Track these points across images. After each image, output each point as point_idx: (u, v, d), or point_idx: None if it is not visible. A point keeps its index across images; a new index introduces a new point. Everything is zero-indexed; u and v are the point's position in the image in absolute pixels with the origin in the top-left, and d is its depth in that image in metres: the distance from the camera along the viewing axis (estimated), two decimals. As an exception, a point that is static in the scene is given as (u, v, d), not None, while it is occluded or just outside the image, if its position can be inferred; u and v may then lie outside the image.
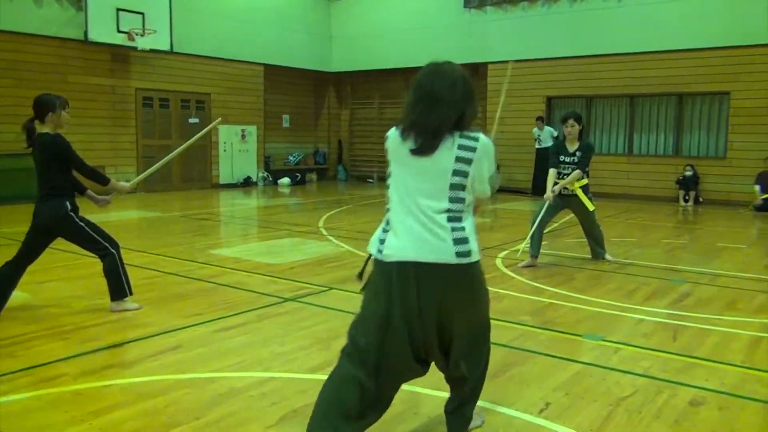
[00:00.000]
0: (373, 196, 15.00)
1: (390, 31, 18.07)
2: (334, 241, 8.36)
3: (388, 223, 2.59)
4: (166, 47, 14.45)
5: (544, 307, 5.29)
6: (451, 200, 2.51)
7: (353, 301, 5.33)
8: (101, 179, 4.87)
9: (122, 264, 4.94)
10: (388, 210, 2.61)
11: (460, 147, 2.50)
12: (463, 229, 2.50)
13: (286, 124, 19.14)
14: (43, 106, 4.61)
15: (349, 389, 2.52)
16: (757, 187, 12.79)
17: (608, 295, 5.72)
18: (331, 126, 20.17)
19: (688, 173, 13.75)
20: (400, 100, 18.59)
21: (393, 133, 2.62)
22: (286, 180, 17.67)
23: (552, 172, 7.05)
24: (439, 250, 2.46)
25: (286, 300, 5.35)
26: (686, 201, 13.67)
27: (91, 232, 4.81)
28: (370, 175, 19.39)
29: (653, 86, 14.40)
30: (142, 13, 13.79)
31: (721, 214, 12.19)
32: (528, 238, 7.08)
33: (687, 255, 7.89)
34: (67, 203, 4.70)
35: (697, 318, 4.98)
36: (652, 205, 13.47)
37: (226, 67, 16.35)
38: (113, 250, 4.89)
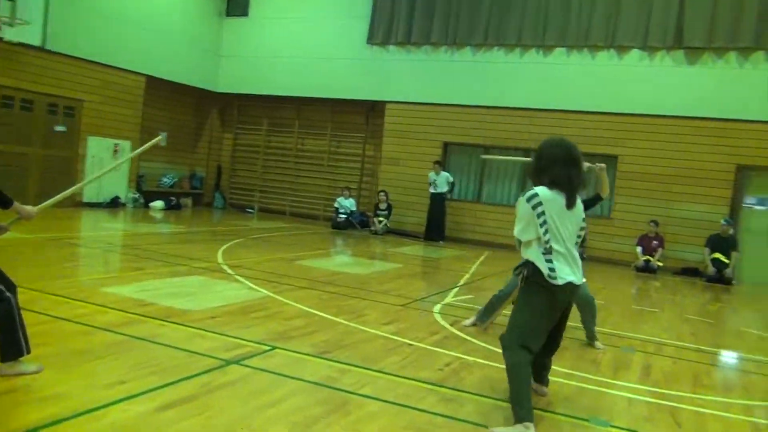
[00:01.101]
0: (263, 229, 13.95)
1: (285, 57, 17.29)
2: (246, 282, 7.38)
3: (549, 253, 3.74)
4: (37, 42, 12.67)
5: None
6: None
7: (308, 366, 4.52)
8: (2, 201, 3.71)
9: (20, 312, 3.76)
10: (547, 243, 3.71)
11: None
12: None
13: (163, 143, 17.54)
14: None
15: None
16: (639, 249, 13.42)
17: (575, 365, 5.32)
18: (212, 149, 18.82)
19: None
20: (291, 130, 17.80)
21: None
22: (159, 203, 16.08)
23: None
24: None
25: (228, 363, 4.38)
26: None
27: None
28: (250, 205, 18.24)
29: (547, 142, 14.78)
30: (12, 0, 11.97)
31: (610, 272, 12.57)
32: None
33: (613, 318, 7.80)
34: None
35: (679, 397, 4.68)
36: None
37: (105, 73, 14.66)
38: (9, 294, 3.71)
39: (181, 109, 18.01)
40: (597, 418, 4.04)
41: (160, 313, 5.53)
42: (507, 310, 6.24)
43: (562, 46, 14.74)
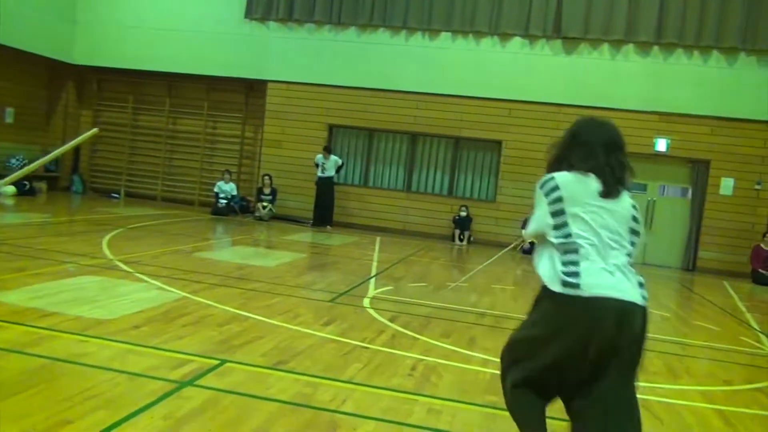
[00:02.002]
0: (138, 217, 12.73)
1: (153, 28, 15.85)
2: (152, 281, 6.57)
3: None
4: None
5: (491, 379, 4.55)
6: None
7: (272, 381, 3.98)
8: None
9: None
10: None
11: None
12: None
13: (9, 119, 15.54)
14: None
15: None
16: (524, 231, 13.86)
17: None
18: (68, 128, 16.89)
19: (463, 213, 14.39)
20: (161, 108, 16.46)
21: None
22: (11, 189, 14.16)
23: None
24: None
25: (181, 384, 3.76)
26: (461, 240, 14.26)
27: None
28: (115, 190, 16.66)
29: (433, 127, 14.85)
30: None
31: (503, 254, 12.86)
32: None
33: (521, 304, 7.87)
34: None
35: (654, 389, 4.73)
36: (430, 242, 13.75)
37: (-62, 38, 12.59)
38: None
39: (30, 82, 16.00)
40: (587, 419, 3.91)
41: (71, 326, 4.70)
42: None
43: (448, 31, 14.79)
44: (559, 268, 2.63)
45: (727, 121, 13.65)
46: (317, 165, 14.60)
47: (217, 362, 4.25)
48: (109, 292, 5.92)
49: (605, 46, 14.19)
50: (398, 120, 14.97)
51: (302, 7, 15.24)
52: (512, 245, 7.85)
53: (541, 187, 2.83)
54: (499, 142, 14.59)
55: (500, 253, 8.55)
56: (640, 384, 4.81)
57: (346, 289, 7.40)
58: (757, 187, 13.65)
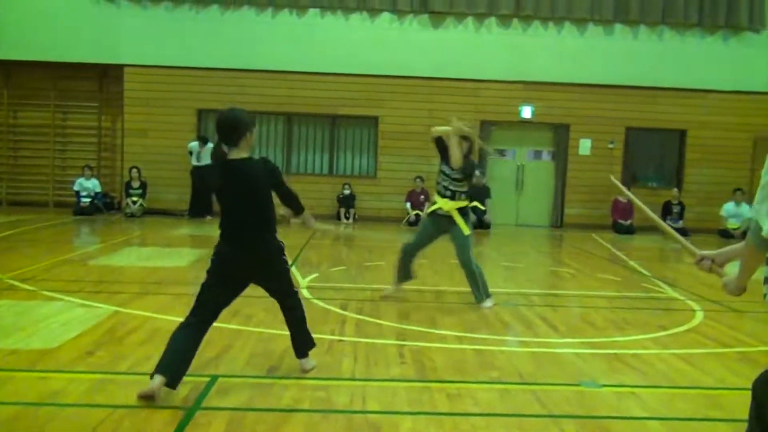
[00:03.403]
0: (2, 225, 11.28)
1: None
2: (66, 298, 5.88)
3: None
4: None
5: (477, 355, 4.63)
6: None
7: (281, 391, 3.74)
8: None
9: None
10: None
11: None
12: None
13: None
14: None
15: None
16: (408, 204, 14.17)
17: (497, 330, 5.40)
18: None
19: (347, 191, 14.36)
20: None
21: None
22: None
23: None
24: None
25: (190, 411, 3.42)
26: (347, 218, 14.25)
27: None
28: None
29: (309, 106, 14.60)
30: None
31: (382, 229, 13.03)
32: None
33: (460, 276, 8.08)
34: None
35: (610, 344, 5.06)
36: (317, 223, 13.58)
37: None
38: None
39: None
40: (588, 382, 4.12)
41: (16, 362, 4.09)
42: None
43: (316, 7, 14.51)
44: None
45: (581, 86, 14.76)
46: (191, 153, 13.81)
47: (207, 379, 3.92)
48: (28, 317, 5.21)
49: (470, 20, 14.69)
50: (272, 101, 14.52)
51: (156, -15, 14.18)
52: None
53: None
54: (375, 118, 14.67)
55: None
56: (597, 340, 5.17)
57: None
58: (610, 146, 14.97)
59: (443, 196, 6.09)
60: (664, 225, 2.94)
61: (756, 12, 14.71)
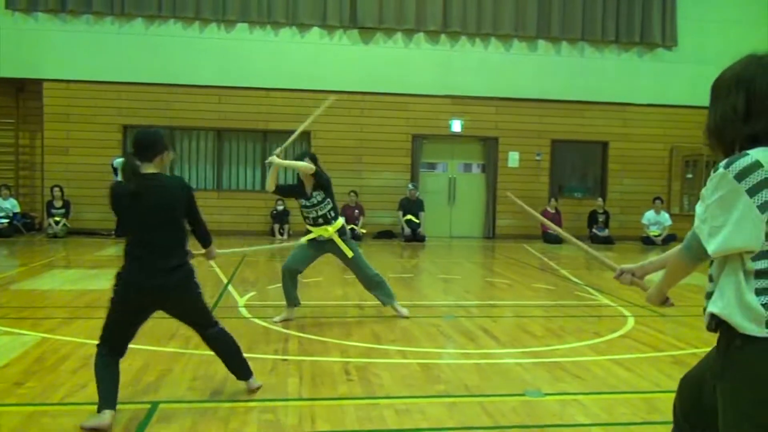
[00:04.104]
0: None
1: None
2: (-12, 326, 5.57)
3: None
4: None
5: (422, 369, 4.65)
6: None
7: (219, 415, 3.64)
8: None
9: None
10: None
11: None
12: None
13: None
14: None
15: None
16: (342, 219, 14.09)
17: (440, 343, 5.44)
18: None
19: (280, 207, 14.20)
20: None
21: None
22: None
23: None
24: None
25: (133, 440, 3.28)
26: (281, 234, 14.08)
27: None
28: None
29: (239, 121, 14.40)
30: None
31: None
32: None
33: (399, 290, 8.10)
34: None
35: (550, 352, 5.18)
36: (250, 240, 13.38)
37: None
38: None
39: None
40: (532, 391, 4.20)
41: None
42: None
43: (244, 22, 14.37)
44: (756, 300, 1.81)
45: (508, 101, 15.19)
46: (115, 170, 13.30)
47: (148, 405, 3.77)
48: (-55, 348, 4.89)
49: (399, 35, 14.89)
50: (201, 116, 14.27)
51: (76, -4, 13.70)
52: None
53: (733, 170, 1.81)
54: (308, 133, 14.59)
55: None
56: (537, 349, 5.29)
57: (212, 301, 6.94)
58: (537, 158, 15.44)
59: (317, 225, 6.04)
60: (579, 243, 3.01)
61: (668, 30, 15.56)
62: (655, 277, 2.32)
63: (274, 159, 6.00)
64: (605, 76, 15.42)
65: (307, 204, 6.12)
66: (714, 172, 1.85)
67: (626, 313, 6.74)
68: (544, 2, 15.12)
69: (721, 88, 1.94)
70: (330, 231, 6.08)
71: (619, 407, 3.96)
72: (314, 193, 6.11)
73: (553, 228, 3.29)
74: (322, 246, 6.18)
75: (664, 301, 2.25)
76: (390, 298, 6.27)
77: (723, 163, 1.84)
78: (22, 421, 3.49)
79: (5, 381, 4.14)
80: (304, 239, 6.18)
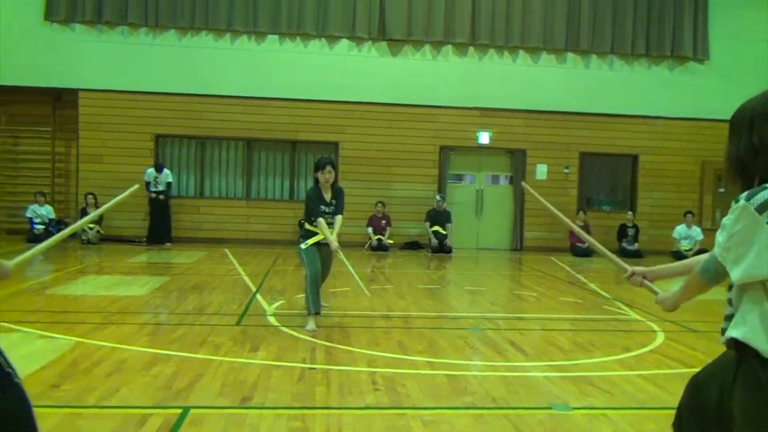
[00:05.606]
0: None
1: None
2: (24, 329, 5.71)
3: None
4: None
5: (449, 380, 4.65)
6: None
7: (248, 422, 3.66)
8: None
9: None
10: None
11: None
12: None
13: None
14: None
15: None
16: (370, 229, 14.20)
17: (467, 355, 5.44)
18: None
19: (308, 217, 14.29)
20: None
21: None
22: None
23: (323, 221, 6.37)
24: None
25: (165, 444, 3.35)
26: (308, 244, 14.15)
27: None
28: None
29: (268, 132, 14.58)
30: None
31: (347, 255, 13.02)
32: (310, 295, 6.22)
33: (426, 301, 8.13)
34: None
35: (580, 366, 5.15)
36: (279, 249, 13.49)
37: None
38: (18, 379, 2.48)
39: None
40: (558, 405, 4.19)
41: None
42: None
43: (275, 33, 14.58)
44: None
45: (536, 113, 15.15)
46: (148, 183, 13.58)
47: (179, 410, 3.84)
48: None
49: (427, 47, 14.96)
50: (231, 126, 14.47)
51: (113, 9, 14.04)
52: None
53: (755, 203, 1.87)
54: (335, 144, 14.72)
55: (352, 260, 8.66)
56: (565, 363, 5.26)
57: (241, 309, 7.04)
58: (565, 171, 15.35)
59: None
60: (593, 241, 3.10)
61: (699, 44, 15.40)
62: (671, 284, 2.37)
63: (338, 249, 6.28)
64: (635, 89, 15.31)
65: (327, 210, 6.38)
66: (735, 203, 1.93)
67: (656, 328, 6.67)
68: (573, 16, 15.09)
69: (740, 122, 2.01)
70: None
71: (647, 423, 3.93)
72: (333, 200, 6.56)
73: (562, 218, 3.37)
74: (323, 248, 6.40)
75: (676, 309, 2.33)
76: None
77: (744, 195, 1.91)
78: (60, 423, 3.59)
79: (42, 383, 4.25)
80: (311, 241, 6.34)
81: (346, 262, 6.57)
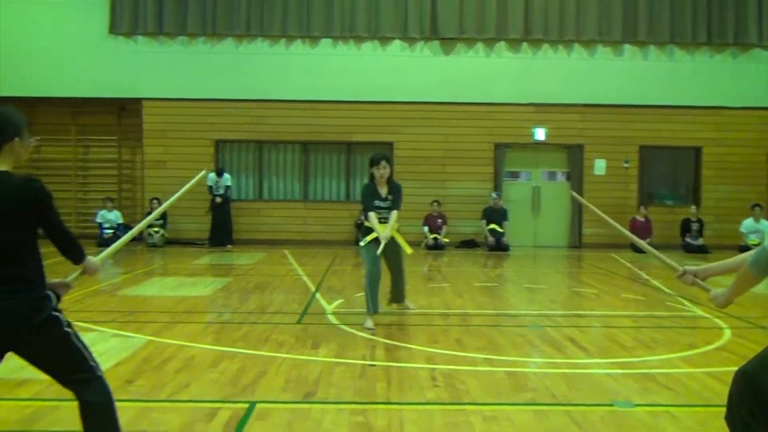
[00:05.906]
0: None
1: (3, 49, 14.37)
2: (99, 328, 6.00)
3: None
4: None
5: (508, 376, 4.67)
6: None
7: (311, 416, 3.78)
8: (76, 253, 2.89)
9: None
10: None
11: None
12: None
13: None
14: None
15: None
16: (425, 228, 14.23)
17: (526, 352, 5.44)
18: None
19: (364, 217, 14.43)
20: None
21: None
22: None
23: (373, 215, 6.45)
24: None
25: (234, 436, 3.49)
26: (365, 244, 14.30)
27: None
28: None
29: (324, 134, 14.79)
30: None
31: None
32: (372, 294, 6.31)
33: (483, 299, 8.14)
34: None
35: (642, 363, 5.08)
36: (336, 250, 13.66)
37: None
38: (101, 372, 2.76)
39: None
40: (621, 402, 4.14)
41: (59, 391, 4.15)
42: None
43: (328, 37, 14.78)
44: None
45: (594, 107, 14.88)
46: (210, 187, 13.98)
47: (246, 405, 3.99)
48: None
49: (480, 45, 14.89)
50: (288, 130, 14.76)
51: (172, 20, 14.52)
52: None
53: None
54: (390, 144, 14.81)
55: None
56: (627, 360, 5.18)
57: (301, 308, 7.21)
58: (625, 165, 15.02)
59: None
60: (640, 242, 3.11)
61: (765, 30, 14.81)
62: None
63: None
64: (696, 79, 14.85)
65: (382, 205, 6.45)
66: None
67: (722, 324, 6.49)
68: (629, 6, 14.75)
69: None
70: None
71: (713, 421, 3.84)
72: (389, 195, 6.52)
73: (611, 222, 3.40)
74: (388, 244, 6.38)
75: (730, 304, 2.39)
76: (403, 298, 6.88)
77: None
78: (136, 415, 3.78)
79: (118, 378, 4.47)
80: (369, 238, 6.41)
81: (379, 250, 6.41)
